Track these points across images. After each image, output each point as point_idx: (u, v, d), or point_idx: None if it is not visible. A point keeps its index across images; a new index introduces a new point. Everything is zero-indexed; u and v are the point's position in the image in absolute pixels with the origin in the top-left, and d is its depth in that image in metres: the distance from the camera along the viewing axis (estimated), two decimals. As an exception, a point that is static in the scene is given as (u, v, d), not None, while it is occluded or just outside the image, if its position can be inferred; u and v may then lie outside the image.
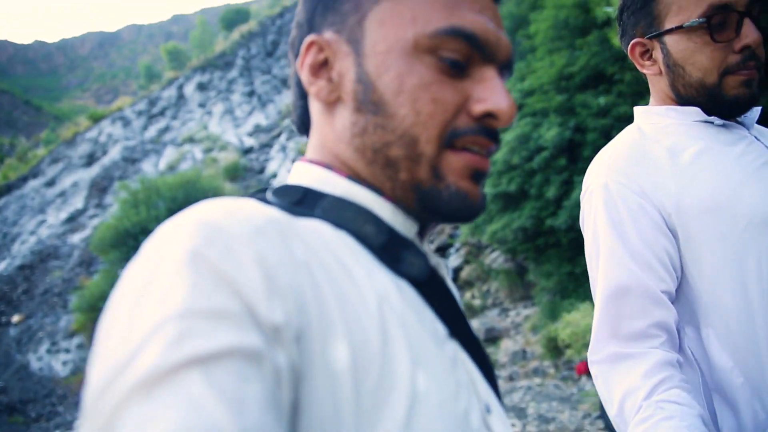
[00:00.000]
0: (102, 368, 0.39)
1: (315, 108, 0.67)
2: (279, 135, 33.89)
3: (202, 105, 41.71)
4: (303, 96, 0.69)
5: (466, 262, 15.04)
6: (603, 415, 6.04)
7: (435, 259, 0.65)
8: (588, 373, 6.34)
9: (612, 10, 8.74)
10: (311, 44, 0.64)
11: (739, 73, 1.14)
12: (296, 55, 0.68)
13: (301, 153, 30.02)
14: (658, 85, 1.26)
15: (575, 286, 11.17)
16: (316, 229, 0.54)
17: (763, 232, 1.09)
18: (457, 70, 0.60)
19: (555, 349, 9.89)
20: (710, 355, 1.11)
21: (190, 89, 44.56)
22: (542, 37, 11.90)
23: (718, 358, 1.10)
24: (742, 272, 1.09)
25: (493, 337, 12.23)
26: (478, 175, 0.61)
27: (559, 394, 8.55)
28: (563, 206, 10.52)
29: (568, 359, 9.38)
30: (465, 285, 14.74)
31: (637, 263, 1.12)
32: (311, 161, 0.66)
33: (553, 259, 11.59)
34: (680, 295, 1.16)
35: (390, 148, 0.60)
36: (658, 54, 1.21)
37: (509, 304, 13.51)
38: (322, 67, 0.64)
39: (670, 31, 1.17)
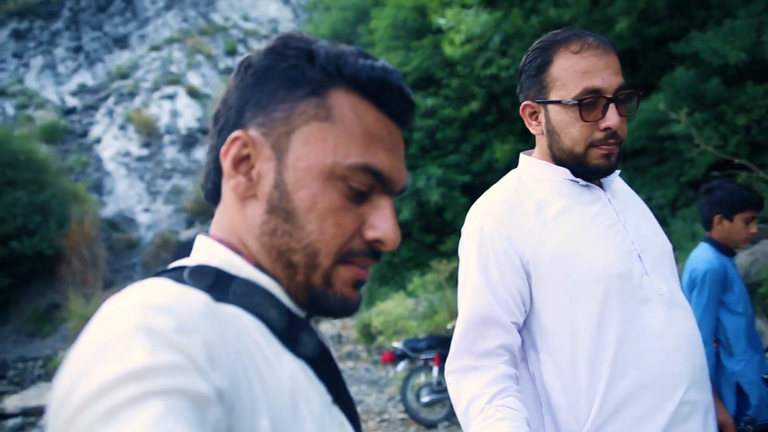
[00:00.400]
0: (70, 401, 0.46)
1: (228, 192, 0.73)
2: (107, 98, 31.49)
3: (17, 55, 37.43)
4: (219, 172, 0.74)
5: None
6: (404, 399, 6.51)
7: (321, 334, 0.76)
8: (392, 362, 6.78)
9: (445, 22, 9.27)
10: (236, 139, 0.69)
11: (602, 147, 1.37)
12: (218, 131, 0.73)
13: (129, 119, 28.20)
14: (540, 142, 1.49)
15: (393, 274, 11.77)
16: (236, 316, 0.62)
17: (597, 285, 1.33)
18: (360, 196, 0.70)
19: (369, 335, 10.39)
20: (544, 376, 1.38)
21: (3, 36, 39.83)
22: (381, 34, 12.28)
23: (549, 379, 1.37)
24: (573, 315, 1.34)
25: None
26: (358, 284, 0.72)
27: (369, 377, 9.02)
28: (388, 199, 10.99)
29: (379, 345, 9.90)
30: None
31: (496, 298, 1.37)
32: (220, 240, 0.73)
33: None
34: (528, 323, 1.41)
35: (294, 253, 0.68)
36: (542, 117, 1.44)
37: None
38: (242, 160, 0.70)
39: (552, 102, 1.40)
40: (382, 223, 0.70)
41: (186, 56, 32.81)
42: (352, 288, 0.72)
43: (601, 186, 1.46)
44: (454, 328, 1.44)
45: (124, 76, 33.11)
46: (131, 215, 24.47)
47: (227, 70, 30.50)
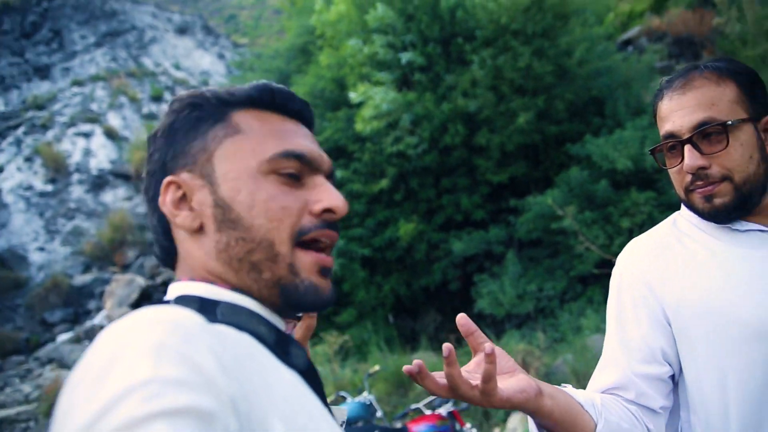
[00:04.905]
0: (74, 421, 0.46)
1: (181, 237, 0.78)
2: (17, 126, 30.10)
3: (-74, 72, 35.43)
4: (166, 233, 0.79)
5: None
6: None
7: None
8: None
9: (355, 96, 9.47)
10: (169, 184, 0.76)
11: (696, 192, 1.23)
12: (150, 199, 0.80)
13: (38, 152, 26.96)
14: None
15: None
16: (226, 332, 0.63)
17: (756, 343, 1.15)
18: (295, 180, 0.75)
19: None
20: None
21: None
22: (300, 100, 12.37)
23: None
24: (723, 376, 1.18)
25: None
26: (325, 271, 0.75)
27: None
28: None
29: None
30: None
31: (626, 348, 1.26)
32: (192, 278, 0.75)
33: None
34: (680, 380, 1.27)
35: (252, 254, 0.72)
36: None
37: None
38: (181, 201, 0.76)
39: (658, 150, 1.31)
40: (324, 195, 0.75)
41: (109, 96, 32.01)
42: (319, 275, 0.74)
43: None
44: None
45: (39, 107, 31.84)
46: (23, 253, 23.00)
47: (150, 116, 29.86)
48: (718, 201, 1.21)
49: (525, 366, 7.20)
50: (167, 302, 0.72)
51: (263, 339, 0.70)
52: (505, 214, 10.23)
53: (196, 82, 32.93)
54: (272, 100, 0.80)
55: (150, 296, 15.18)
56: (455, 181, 10.41)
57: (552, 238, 9.39)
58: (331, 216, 0.76)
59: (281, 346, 0.72)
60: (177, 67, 34.23)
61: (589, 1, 10.92)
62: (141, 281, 15.34)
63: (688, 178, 1.23)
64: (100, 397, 0.46)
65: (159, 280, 16.19)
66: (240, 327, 0.69)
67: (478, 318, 10.19)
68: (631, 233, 8.56)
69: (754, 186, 1.21)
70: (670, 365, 1.25)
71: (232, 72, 31.37)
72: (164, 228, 0.80)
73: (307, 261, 0.74)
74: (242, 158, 0.75)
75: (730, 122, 1.19)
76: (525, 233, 9.54)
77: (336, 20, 10.73)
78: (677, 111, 1.23)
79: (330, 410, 0.75)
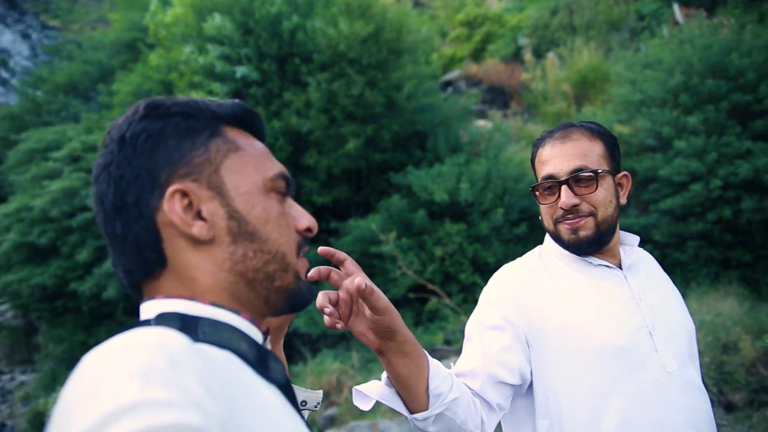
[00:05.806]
0: None
1: (180, 247, 0.75)
2: None
3: None
4: (152, 245, 0.74)
5: (-33, 309, 12.92)
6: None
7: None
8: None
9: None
10: (175, 192, 0.74)
11: (564, 223, 1.50)
12: (125, 208, 0.74)
13: None
14: None
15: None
16: (212, 354, 0.65)
17: (599, 358, 1.39)
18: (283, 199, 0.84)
19: (41, 426, 9.04)
20: None
21: None
22: (122, 98, 11.67)
23: None
24: (576, 386, 1.40)
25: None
26: (308, 272, 0.86)
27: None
28: (93, 272, 10.05)
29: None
30: (-43, 335, 12.56)
31: (484, 351, 1.43)
32: (168, 296, 0.74)
33: (69, 324, 10.84)
34: (536, 391, 1.45)
35: (268, 264, 0.78)
36: None
37: (5, 366, 11.94)
38: (186, 210, 0.74)
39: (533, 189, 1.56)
40: (302, 215, 0.85)
41: None
42: (307, 276, 0.85)
43: (620, 266, 1.55)
44: None
45: None
46: None
47: (-70, 91, 25.97)
48: (582, 233, 1.49)
49: (339, 384, 7.42)
50: (147, 322, 0.70)
51: (244, 356, 0.72)
52: (325, 235, 10.46)
53: (-8, 61, 29.36)
54: (252, 122, 0.86)
55: None
56: (280, 199, 10.45)
57: (369, 261, 9.78)
58: (309, 234, 0.86)
59: (261, 362, 0.74)
60: (-30, 41, 30.23)
61: (419, 41, 11.66)
62: None
63: (559, 212, 1.50)
64: (86, 420, 0.46)
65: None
66: (222, 345, 0.70)
67: (293, 335, 10.26)
68: (443, 261, 9.23)
69: (610, 226, 1.51)
70: (520, 375, 1.44)
71: (39, 56, 28.49)
72: (152, 239, 0.75)
73: (303, 266, 0.85)
74: (249, 174, 0.80)
75: (599, 171, 1.48)
76: (344, 255, 9.82)
77: (171, 23, 10.31)
78: (557, 157, 1.50)
79: (303, 416, 0.79)
